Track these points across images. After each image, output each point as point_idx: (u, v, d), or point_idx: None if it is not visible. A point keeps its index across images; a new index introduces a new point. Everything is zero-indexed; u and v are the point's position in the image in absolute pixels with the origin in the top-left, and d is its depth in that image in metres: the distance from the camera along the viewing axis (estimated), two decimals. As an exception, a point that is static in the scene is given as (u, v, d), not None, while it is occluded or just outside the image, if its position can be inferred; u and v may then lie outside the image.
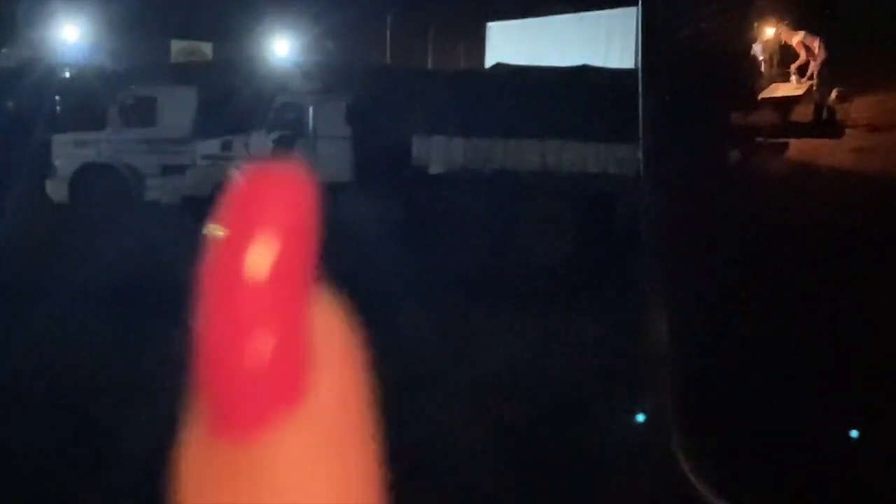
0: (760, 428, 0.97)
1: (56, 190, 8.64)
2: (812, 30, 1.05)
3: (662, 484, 1.00)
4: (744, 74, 1.02)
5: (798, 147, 1.02)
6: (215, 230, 0.19)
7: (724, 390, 0.99)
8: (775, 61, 1.04)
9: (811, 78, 1.07)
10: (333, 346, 0.20)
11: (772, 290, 1.00)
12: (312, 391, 0.19)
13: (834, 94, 1.03)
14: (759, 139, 1.02)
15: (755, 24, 1.00)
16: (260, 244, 0.19)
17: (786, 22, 1.02)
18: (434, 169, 8.27)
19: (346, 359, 0.21)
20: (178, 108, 9.06)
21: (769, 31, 1.02)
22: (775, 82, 1.05)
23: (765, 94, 1.04)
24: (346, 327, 0.21)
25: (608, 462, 0.95)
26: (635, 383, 0.97)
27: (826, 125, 1.02)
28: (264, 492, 0.18)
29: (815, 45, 1.06)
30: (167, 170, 8.84)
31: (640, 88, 1.02)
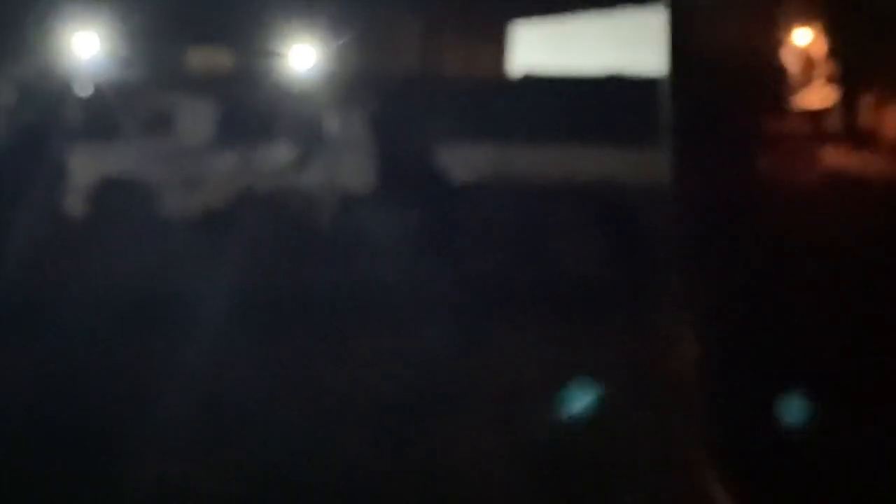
0: (794, 443, 0.95)
1: (72, 205, 8.62)
2: (843, 35, 1.03)
3: (688, 500, 0.98)
4: (773, 82, 1.00)
5: (829, 155, 1.00)
6: None
7: (755, 405, 0.97)
8: (806, 68, 1.01)
9: (842, 84, 1.04)
10: None
11: (803, 301, 0.97)
12: None
13: (866, 100, 1.00)
14: (789, 147, 1.00)
15: (785, 30, 0.98)
16: None
17: (816, 27, 1.00)
18: (458, 178, 8.22)
19: None
20: (197, 119, 9.05)
21: (799, 38, 1.00)
22: (805, 89, 1.03)
23: (795, 101, 1.02)
24: None
25: (633, 480, 0.93)
26: (664, 399, 0.95)
27: (858, 133, 1.00)
28: None
29: (847, 51, 1.04)
30: (186, 183, 8.82)
31: (668, 95, 1.00)
